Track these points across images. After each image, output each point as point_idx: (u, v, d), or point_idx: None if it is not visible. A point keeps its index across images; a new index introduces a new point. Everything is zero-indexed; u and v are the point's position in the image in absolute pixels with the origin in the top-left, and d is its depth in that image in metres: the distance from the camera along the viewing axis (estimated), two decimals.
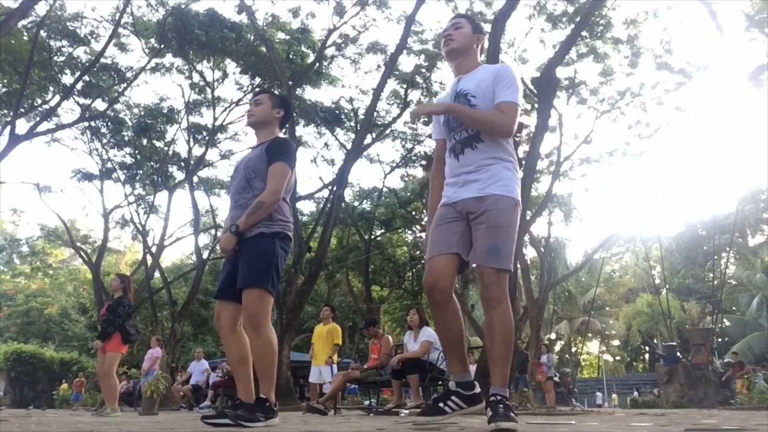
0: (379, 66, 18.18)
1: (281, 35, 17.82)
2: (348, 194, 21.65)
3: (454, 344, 2.63)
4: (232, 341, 3.17)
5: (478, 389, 2.60)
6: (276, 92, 3.70)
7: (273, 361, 3.06)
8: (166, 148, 20.41)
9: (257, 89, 18.50)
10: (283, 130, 3.50)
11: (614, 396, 27.75)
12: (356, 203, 23.82)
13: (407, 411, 6.20)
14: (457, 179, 2.62)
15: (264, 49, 16.60)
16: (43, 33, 15.34)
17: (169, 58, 18.34)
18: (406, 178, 23.17)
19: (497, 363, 2.47)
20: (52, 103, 17.17)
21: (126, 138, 20.19)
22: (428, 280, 2.56)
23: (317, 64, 17.63)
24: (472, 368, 11.12)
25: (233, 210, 3.23)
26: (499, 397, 2.40)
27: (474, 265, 2.57)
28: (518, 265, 12.37)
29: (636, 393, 26.68)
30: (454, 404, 2.52)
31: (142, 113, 19.79)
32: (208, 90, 19.16)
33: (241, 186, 3.20)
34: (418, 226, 23.49)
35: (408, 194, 22.71)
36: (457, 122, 2.65)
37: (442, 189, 2.73)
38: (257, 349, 3.04)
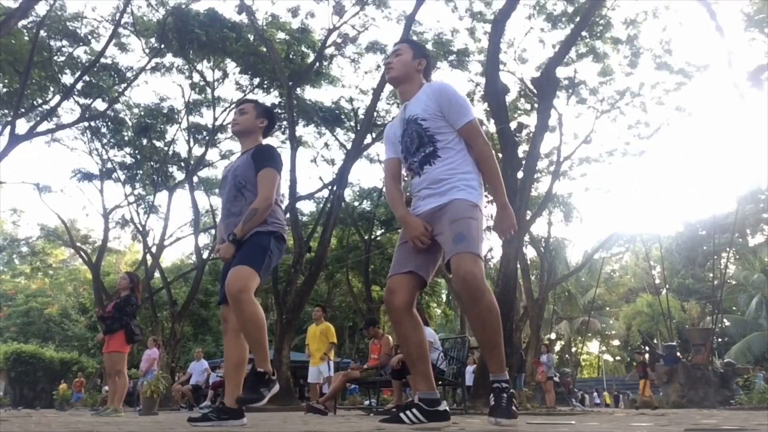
0: (378, 66, 18.17)
1: (281, 35, 17.81)
2: (348, 194, 21.66)
3: (412, 360, 2.66)
4: (233, 344, 3.23)
5: (443, 407, 2.59)
6: (260, 101, 3.77)
7: (262, 335, 3.00)
8: (166, 148, 20.41)
9: (255, 90, 18.54)
10: (267, 138, 3.58)
11: (585, 396, 27.26)
12: (356, 203, 23.82)
13: None
14: (420, 194, 2.75)
15: (264, 49, 16.59)
16: (43, 33, 15.33)
17: (169, 58, 18.35)
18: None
19: (492, 349, 2.50)
20: (52, 103, 17.17)
21: (126, 138, 20.19)
22: (385, 297, 2.70)
23: (317, 64, 17.61)
24: (472, 368, 11.11)
25: (226, 218, 3.29)
26: (503, 385, 2.45)
27: (447, 262, 2.53)
28: (518, 265, 12.35)
29: (596, 394, 26.54)
30: (413, 416, 2.53)
31: (142, 113, 19.79)
32: (208, 90, 19.16)
33: (232, 195, 3.27)
34: None
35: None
36: (414, 147, 2.74)
37: (400, 202, 2.85)
38: (244, 326, 2.99)
